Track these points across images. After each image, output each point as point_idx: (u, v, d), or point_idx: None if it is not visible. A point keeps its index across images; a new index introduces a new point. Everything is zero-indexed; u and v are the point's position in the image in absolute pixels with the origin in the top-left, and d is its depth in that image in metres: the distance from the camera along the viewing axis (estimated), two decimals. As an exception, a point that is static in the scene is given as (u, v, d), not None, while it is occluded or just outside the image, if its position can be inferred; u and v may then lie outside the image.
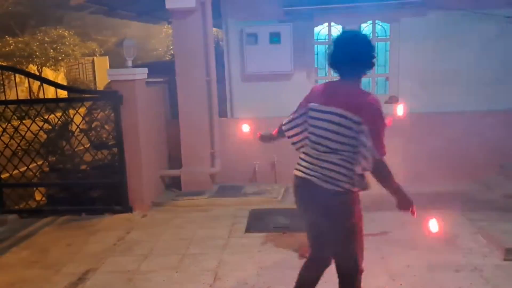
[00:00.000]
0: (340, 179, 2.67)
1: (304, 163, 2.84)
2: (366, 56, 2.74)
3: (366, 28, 6.94)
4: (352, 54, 2.72)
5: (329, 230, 2.80)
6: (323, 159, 2.72)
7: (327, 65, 6.88)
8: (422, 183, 6.22)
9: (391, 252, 4.31)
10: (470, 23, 6.30)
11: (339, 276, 2.95)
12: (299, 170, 2.85)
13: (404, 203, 2.77)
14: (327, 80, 6.81)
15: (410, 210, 2.77)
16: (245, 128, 3.92)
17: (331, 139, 2.68)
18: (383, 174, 2.69)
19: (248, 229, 5.15)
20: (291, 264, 4.19)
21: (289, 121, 3.00)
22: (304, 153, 2.88)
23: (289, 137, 3.01)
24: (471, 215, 5.18)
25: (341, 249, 2.86)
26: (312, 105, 2.82)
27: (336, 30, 6.94)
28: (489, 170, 6.30)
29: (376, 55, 2.80)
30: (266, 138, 3.33)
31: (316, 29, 6.86)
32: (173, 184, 6.74)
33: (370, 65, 2.78)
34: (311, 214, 2.87)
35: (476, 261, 4.10)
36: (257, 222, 5.35)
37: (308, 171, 2.77)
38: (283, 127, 3.04)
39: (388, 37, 6.76)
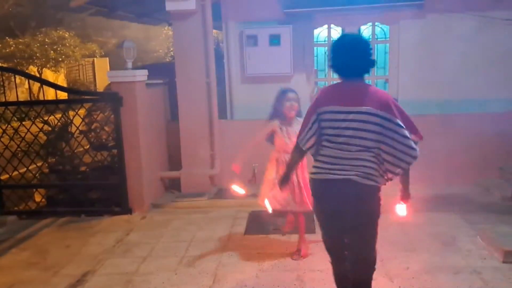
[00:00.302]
0: (375, 175, 2.79)
1: (331, 166, 2.83)
2: (369, 55, 2.87)
3: (365, 30, 6.95)
4: (357, 55, 2.84)
5: (363, 226, 2.86)
6: (357, 158, 2.77)
7: (327, 67, 6.95)
8: (421, 185, 6.22)
9: (390, 254, 4.31)
10: (469, 25, 6.30)
11: (356, 277, 2.97)
12: (328, 173, 2.84)
13: (408, 195, 3.04)
14: (326, 82, 6.85)
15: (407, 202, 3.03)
16: (237, 190, 4.40)
17: (365, 137, 2.76)
18: (412, 164, 2.84)
19: (247, 231, 5.16)
20: (290, 266, 4.21)
21: (303, 136, 3.00)
22: (325, 155, 2.88)
23: (307, 148, 3.02)
24: (470, 217, 5.19)
25: (368, 245, 2.91)
26: (330, 108, 2.84)
27: (336, 32, 6.96)
28: (488, 172, 6.30)
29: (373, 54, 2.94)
30: (286, 178, 3.37)
31: (316, 31, 6.88)
32: (173, 186, 6.74)
33: (373, 64, 2.92)
34: (344, 214, 2.84)
35: (475, 264, 4.11)
36: (256, 224, 5.36)
37: (342, 172, 2.79)
38: (301, 144, 3.03)
39: (387, 39, 6.78)
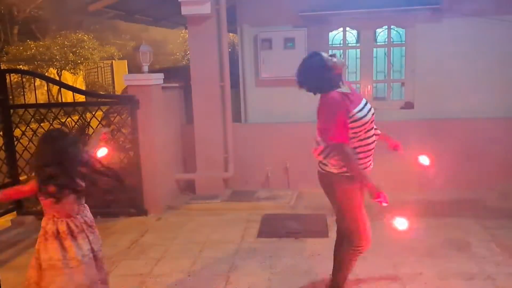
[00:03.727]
0: None
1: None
2: None
3: (381, 33, 6.93)
4: None
5: None
6: None
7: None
8: (436, 189, 6.18)
9: (404, 259, 4.29)
10: (486, 29, 6.23)
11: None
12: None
13: None
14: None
15: None
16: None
17: None
18: None
19: (260, 234, 5.18)
20: (303, 270, 4.21)
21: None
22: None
23: None
24: (485, 222, 5.13)
25: None
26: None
27: (351, 35, 6.95)
28: (504, 177, 6.21)
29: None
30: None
31: (331, 34, 6.87)
32: (188, 188, 6.80)
33: None
34: None
35: (489, 270, 4.06)
36: (269, 227, 5.37)
37: None
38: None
39: (403, 42, 6.74)
